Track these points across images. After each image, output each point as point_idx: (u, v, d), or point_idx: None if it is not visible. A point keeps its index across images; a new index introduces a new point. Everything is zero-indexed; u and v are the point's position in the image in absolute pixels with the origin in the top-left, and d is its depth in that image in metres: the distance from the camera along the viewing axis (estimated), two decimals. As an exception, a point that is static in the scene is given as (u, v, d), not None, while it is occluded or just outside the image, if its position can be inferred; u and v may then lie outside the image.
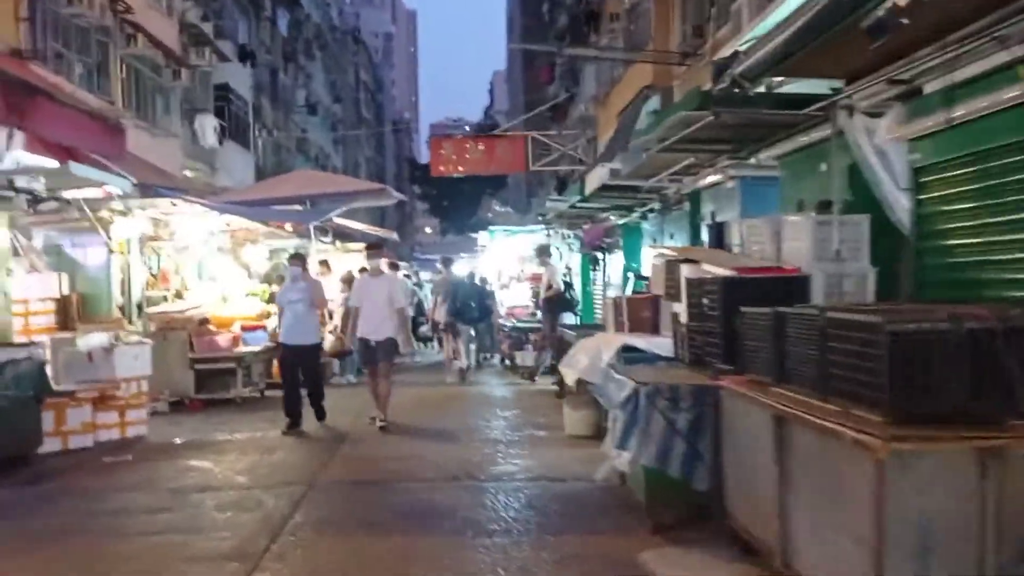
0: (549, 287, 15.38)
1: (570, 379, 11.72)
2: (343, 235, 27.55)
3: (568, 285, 17.31)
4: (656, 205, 12.28)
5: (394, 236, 20.02)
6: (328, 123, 45.89)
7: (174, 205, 13.12)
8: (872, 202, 6.30)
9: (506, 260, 24.17)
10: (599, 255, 17.10)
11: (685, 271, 7.04)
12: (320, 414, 11.13)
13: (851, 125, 6.25)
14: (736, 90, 6.22)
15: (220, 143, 26.77)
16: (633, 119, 20.25)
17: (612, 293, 16.36)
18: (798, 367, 4.70)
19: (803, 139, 7.11)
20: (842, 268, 6.19)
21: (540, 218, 17.64)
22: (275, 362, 14.61)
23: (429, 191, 73.37)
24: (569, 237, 18.55)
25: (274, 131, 33.90)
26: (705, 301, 6.43)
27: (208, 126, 25.75)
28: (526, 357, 16.30)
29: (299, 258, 11.54)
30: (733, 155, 8.35)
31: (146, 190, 12.45)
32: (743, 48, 6.52)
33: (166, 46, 23.34)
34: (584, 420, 9.80)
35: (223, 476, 8.21)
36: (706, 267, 6.79)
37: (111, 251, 12.91)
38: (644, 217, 12.97)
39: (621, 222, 15.06)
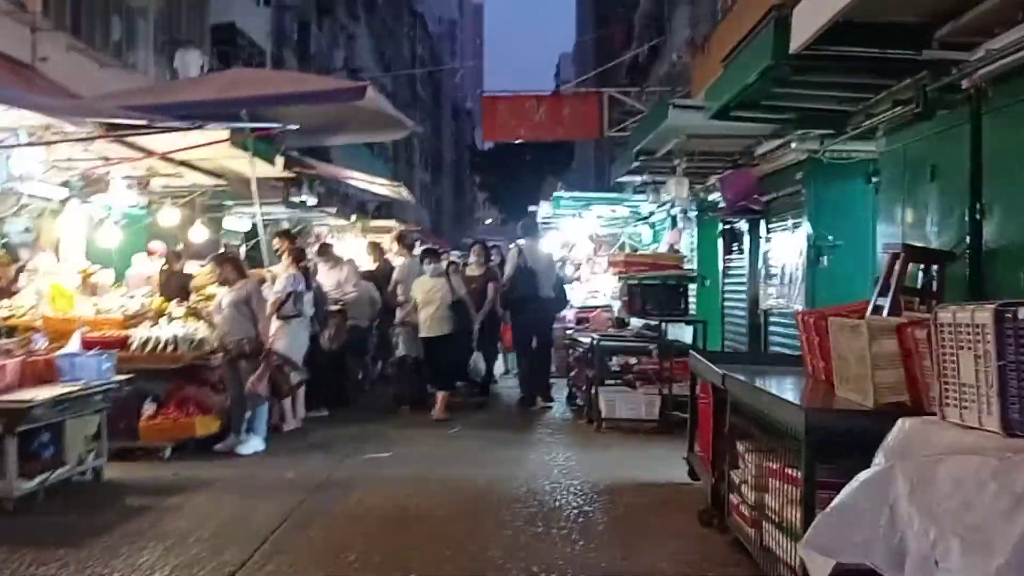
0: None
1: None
2: (349, 201, 20.15)
3: (677, 281, 9.73)
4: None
5: (404, 194, 12.66)
6: (374, 94, 38.77)
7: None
8: None
9: (574, 242, 16.69)
10: (742, 226, 9.52)
11: None
12: None
13: None
14: None
15: (210, 88, 19.78)
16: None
17: (772, 291, 8.74)
18: None
19: None
20: None
21: (639, 161, 9.94)
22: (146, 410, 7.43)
23: (489, 179, 65.77)
24: (685, 200, 10.73)
25: (299, 90, 26.74)
26: None
27: (193, 64, 18.57)
28: (615, 401, 8.75)
29: None
30: None
31: None
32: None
33: (125, -54, 16.36)
34: None
35: None
36: None
37: None
38: (922, 117, 5.35)
39: (802, 157, 7.49)
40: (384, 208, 24.85)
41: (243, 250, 14.62)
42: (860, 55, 4.92)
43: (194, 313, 7.78)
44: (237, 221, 13.50)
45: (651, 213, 13.43)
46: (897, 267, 4.96)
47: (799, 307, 7.83)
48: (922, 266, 5.12)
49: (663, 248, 12.78)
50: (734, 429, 4.95)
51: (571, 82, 40.28)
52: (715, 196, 9.90)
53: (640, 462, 7.19)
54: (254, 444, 7.48)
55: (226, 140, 7.74)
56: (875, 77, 5.52)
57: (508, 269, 10.61)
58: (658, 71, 27.04)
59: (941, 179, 5.35)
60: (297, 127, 7.67)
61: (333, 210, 15.10)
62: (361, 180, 12.01)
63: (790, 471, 3.96)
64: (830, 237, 7.49)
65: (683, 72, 22.11)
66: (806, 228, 7.67)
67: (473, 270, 10.18)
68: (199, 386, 7.63)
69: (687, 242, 11.99)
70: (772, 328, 8.66)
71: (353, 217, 16.60)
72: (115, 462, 6.99)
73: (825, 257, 7.50)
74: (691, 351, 7.00)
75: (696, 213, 11.20)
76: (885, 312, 4.84)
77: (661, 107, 7.91)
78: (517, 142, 39.94)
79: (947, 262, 4.98)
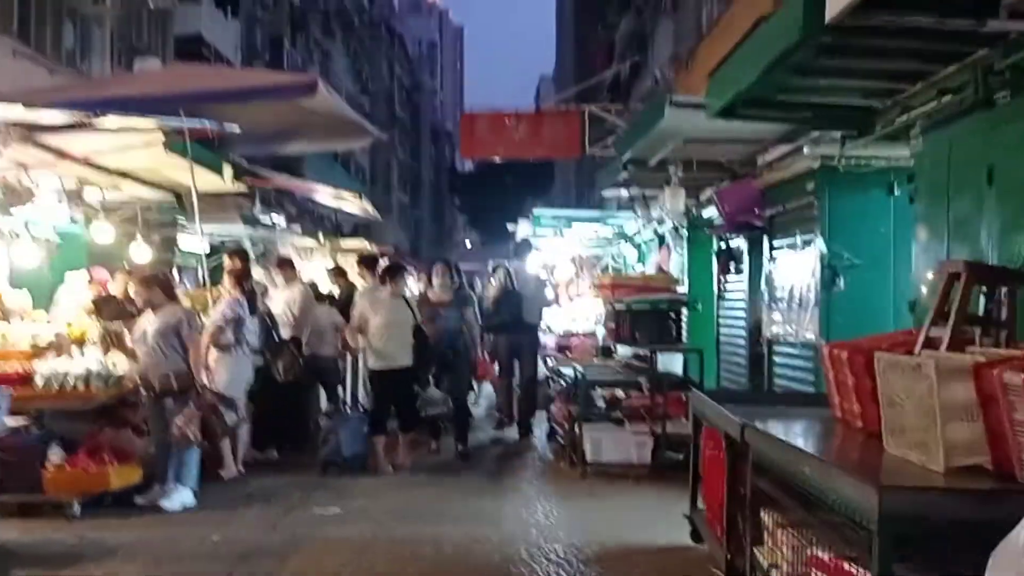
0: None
1: None
2: (323, 222, 18.95)
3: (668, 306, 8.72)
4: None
5: (368, 209, 11.49)
6: (350, 113, 37.81)
7: None
8: None
9: (555, 263, 15.70)
10: (741, 244, 8.56)
11: None
12: None
13: None
14: None
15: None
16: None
17: (777, 318, 7.74)
18: None
19: None
20: None
21: (624, 171, 8.95)
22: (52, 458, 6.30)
23: (469, 202, 64.90)
24: (680, 214, 9.68)
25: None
26: None
27: (151, 74, 17.65)
28: (602, 441, 7.68)
29: None
30: None
31: None
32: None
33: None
34: None
35: None
36: None
37: None
38: (984, 103, 4.38)
39: (815, 164, 6.54)
40: (360, 229, 23.74)
41: (201, 272, 13.53)
42: (909, 26, 3.96)
43: (112, 342, 6.67)
44: (193, 240, 12.39)
45: (638, 232, 12.45)
46: (958, 290, 3.98)
47: (810, 335, 6.87)
48: (984, 290, 4.14)
49: (651, 269, 11.82)
50: (758, 494, 3.92)
51: (551, 101, 39.50)
52: (710, 212, 8.93)
53: (632, 518, 6.14)
54: (182, 497, 6.35)
55: (158, 142, 6.70)
56: (918, 61, 4.57)
57: (492, 291, 9.77)
58: (640, 89, 26.25)
59: (1002, 183, 4.39)
60: (237, 128, 6.62)
61: (299, 228, 14.04)
62: (322, 193, 10.95)
63: (849, 567, 2.93)
64: (847, 255, 6.52)
65: (666, 89, 21.29)
66: (819, 245, 6.71)
67: (438, 295, 8.84)
68: (117, 429, 6.51)
69: (677, 263, 11.01)
70: (777, 360, 7.66)
71: (322, 238, 15.52)
72: (14, 520, 5.89)
73: (842, 278, 6.54)
74: (691, 388, 5.98)
75: (688, 230, 10.23)
76: (944, 346, 3.87)
77: (657, 106, 6.93)
78: (497, 162, 39.10)
79: (1022, 284, 4.01)
